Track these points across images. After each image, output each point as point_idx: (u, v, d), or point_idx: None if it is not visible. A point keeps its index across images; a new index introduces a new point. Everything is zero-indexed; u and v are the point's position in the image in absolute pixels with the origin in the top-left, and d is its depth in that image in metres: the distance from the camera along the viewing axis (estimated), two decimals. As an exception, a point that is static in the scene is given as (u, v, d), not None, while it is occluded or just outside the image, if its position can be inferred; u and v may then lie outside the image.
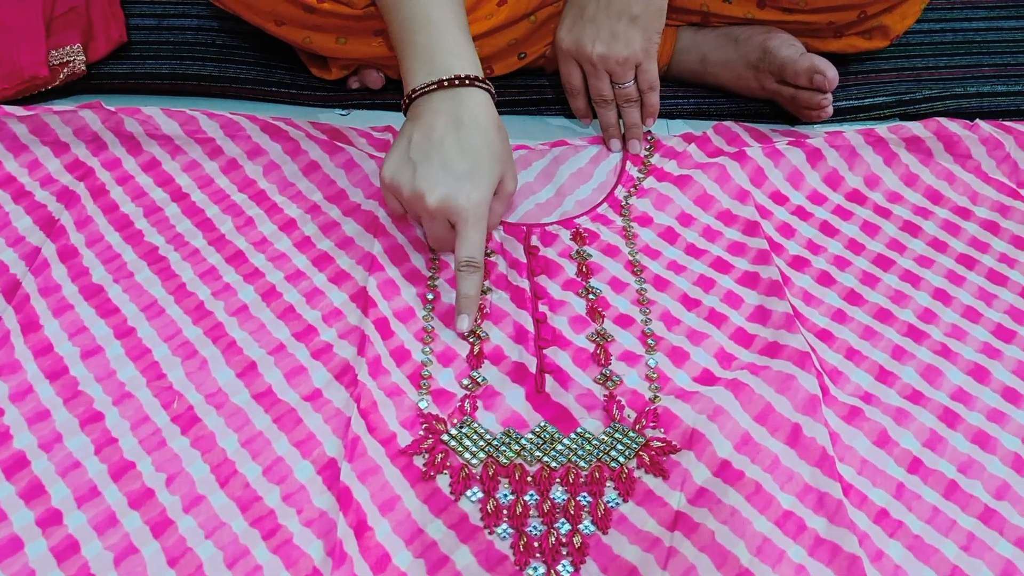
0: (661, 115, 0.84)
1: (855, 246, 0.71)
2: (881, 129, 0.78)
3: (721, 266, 0.69)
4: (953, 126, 0.78)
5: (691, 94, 0.86)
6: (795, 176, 0.76)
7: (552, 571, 0.51)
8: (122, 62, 0.87)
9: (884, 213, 0.74)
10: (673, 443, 0.57)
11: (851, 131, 0.78)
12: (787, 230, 0.72)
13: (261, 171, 0.74)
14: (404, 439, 0.57)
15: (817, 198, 0.75)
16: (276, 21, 0.77)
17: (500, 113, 0.83)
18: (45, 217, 0.69)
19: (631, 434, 0.57)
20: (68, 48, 0.82)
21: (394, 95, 0.85)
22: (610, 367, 0.62)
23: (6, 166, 0.73)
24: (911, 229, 0.72)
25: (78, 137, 0.74)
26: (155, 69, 0.86)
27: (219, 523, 0.52)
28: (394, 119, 0.82)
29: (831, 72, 0.76)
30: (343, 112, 0.84)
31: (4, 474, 0.53)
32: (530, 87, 0.86)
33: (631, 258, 0.69)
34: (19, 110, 0.75)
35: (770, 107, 0.84)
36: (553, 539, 0.52)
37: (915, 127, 0.78)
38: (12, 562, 0.49)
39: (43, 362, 0.59)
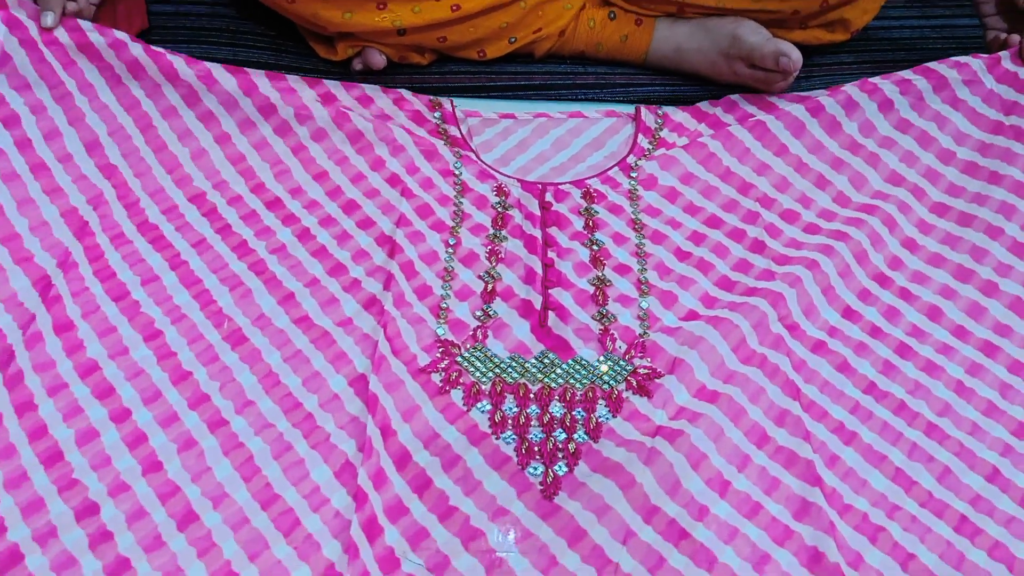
0: (639, 100, 0.89)
1: (842, 200, 0.77)
2: (875, 80, 0.82)
3: (714, 222, 0.76)
4: (941, 68, 0.82)
5: (667, 81, 0.92)
6: (797, 127, 0.81)
7: (550, 470, 0.59)
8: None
9: (874, 160, 0.79)
10: (658, 370, 0.65)
11: (849, 85, 0.82)
12: (782, 185, 0.78)
13: (294, 114, 0.80)
14: (424, 359, 0.65)
15: (816, 147, 0.80)
16: None
17: (490, 97, 0.87)
18: (105, 164, 0.77)
19: (621, 362, 0.66)
20: None
21: (395, 76, 0.90)
22: (607, 307, 0.70)
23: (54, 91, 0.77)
24: (895, 180, 0.78)
25: (120, 59, 0.78)
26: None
27: (266, 423, 0.60)
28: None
29: (795, 54, 0.80)
30: None
31: (79, 375, 0.62)
32: (518, 73, 0.92)
33: (633, 216, 0.77)
34: (64, 35, 0.77)
35: (741, 91, 0.88)
36: (551, 444, 0.60)
37: (907, 73, 0.83)
38: (91, 446, 0.58)
39: (108, 286, 0.68)
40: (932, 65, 0.83)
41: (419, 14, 0.83)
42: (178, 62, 0.79)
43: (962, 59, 0.83)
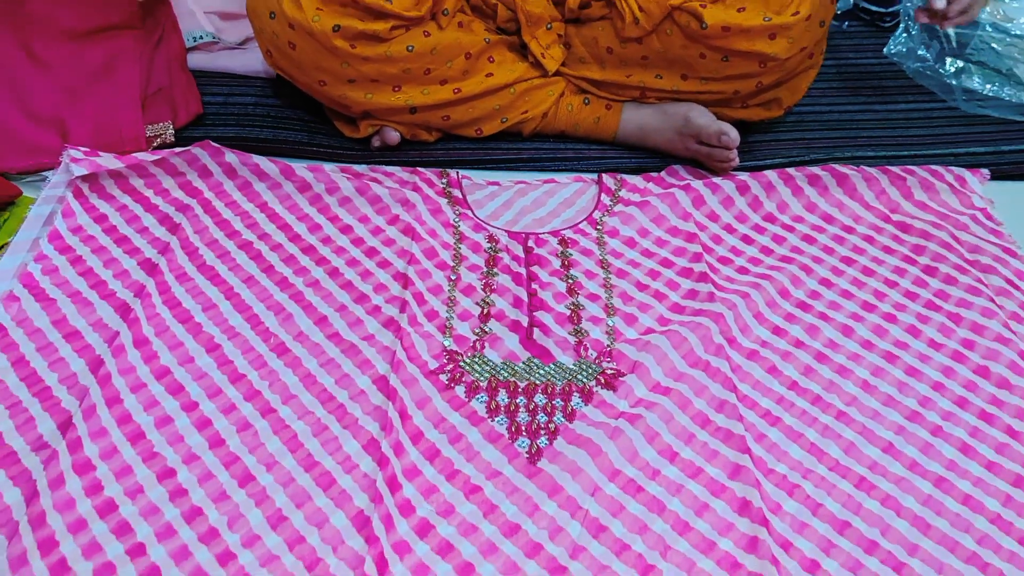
0: (610, 170, 1.06)
1: (766, 251, 0.95)
2: (790, 170, 1.03)
3: (666, 263, 0.93)
4: (843, 169, 1.03)
5: (633, 156, 1.08)
6: (727, 201, 1.01)
7: (534, 443, 0.74)
8: (198, 128, 1.06)
9: (789, 229, 0.98)
10: (622, 371, 0.80)
11: (769, 172, 1.03)
12: (717, 239, 0.97)
13: (325, 188, 0.99)
14: (433, 364, 0.80)
15: (741, 217, 1.00)
16: (320, 82, 1.01)
17: (486, 168, 1.05)
18: (169, 221, 0.93)
19: (592, 366, 0.81)
20: (161, 124, 1.05)
21: (407, 151, 1.07)
22: (580, 325, 0.86)
23: (133, 183, 0.97)
24: (808, 240, 0.97)
25: (191, 167, 0.98)
26: (224, 134, 1.04)
27: (307, 411, 0.75)
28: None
29: (734, 133, 1.00)
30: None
31: (155, 377, 0.77)
32: (510, 148, 1.08)
33: (601, 257, 0.94)
34: (148, 156, 0.98)
35: (692, 164, 1.06)
36: (535, 425, 0.75)
37: (815, 169, 1.03)
38: (167, 428, 0.73)
39: (175, 312, 0.83)
40: (835, 166, 1.04)
41: (427, 95, 1.02)
42: (234, 161, 0.98)
43: (859, 167, 1.04)
